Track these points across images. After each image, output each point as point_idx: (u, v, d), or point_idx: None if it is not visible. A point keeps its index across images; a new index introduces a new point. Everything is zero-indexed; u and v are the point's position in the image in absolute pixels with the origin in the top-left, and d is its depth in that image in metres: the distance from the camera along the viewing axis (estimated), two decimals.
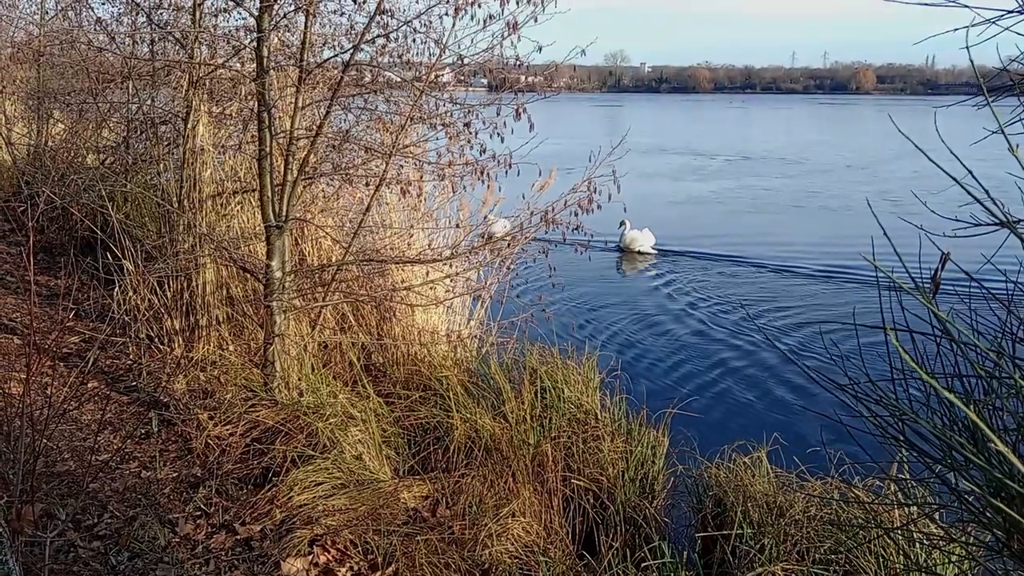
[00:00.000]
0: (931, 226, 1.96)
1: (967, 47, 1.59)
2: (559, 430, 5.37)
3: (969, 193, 1.44)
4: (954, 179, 1.48)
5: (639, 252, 14.15)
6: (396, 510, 4.43)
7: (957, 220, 1.70)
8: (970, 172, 1.52)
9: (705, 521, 4.91)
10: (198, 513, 4.31)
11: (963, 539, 1.94)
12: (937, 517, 2.98)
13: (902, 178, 24.72)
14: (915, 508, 2.65)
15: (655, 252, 14.25)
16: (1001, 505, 1.33)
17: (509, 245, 6.14)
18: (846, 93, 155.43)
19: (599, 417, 5.62)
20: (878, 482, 4.37)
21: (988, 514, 1.48)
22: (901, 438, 1.76)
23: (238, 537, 4.10)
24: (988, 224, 1.57)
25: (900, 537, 3.68)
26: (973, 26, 1.80)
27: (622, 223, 13.99)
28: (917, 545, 3.73)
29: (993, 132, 1.55)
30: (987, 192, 1.50)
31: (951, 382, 1.65)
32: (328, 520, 4.18)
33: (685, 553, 4.60)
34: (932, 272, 1.68)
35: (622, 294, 12.00)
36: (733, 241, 15.74)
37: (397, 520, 4.33)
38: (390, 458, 5.17)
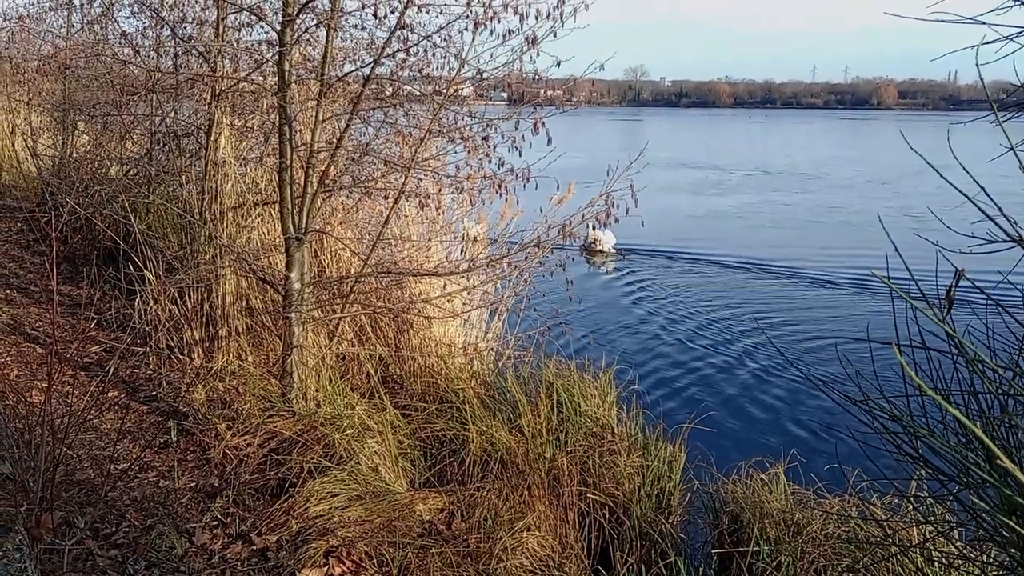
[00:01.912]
0: (949, 242, 1.95)
1: (977, 64, 1.59)
2: (575, 444, 5.36)
3: (981, 210, 1.44)
4: (966, 196, 1.48)
5: (601, 251, 14.91)
6: (411, 522, 4.43)
7: (973, 236, 1.69)
8: (983, 189, 1.52)
9: (722, 537, 4.88)
10: (215, 523, 4.33)
11: (979, 558, 1.93)
12: (955, 535, 2.95)
13: (924, 193, 24.56)
14: (932, 526, 2.63)
15: (614, 251, 14.98)
16: (1014, 524, 1.32)
17: (527, 258, 6.15)
18: (867, 108, 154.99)
19: (615, 431, 5.61)
20: (896, 499, 4.33)
21: (1003, 533, 1.47)
22: (916, 455, 1.75)
23: (254, 547, 4.12)
24: (1003, 241, 1.56)
25: (918, 555, 3.64)
26: (989, 43, 1.80)
27: (589, 225, 14.40)
28: (936, 564, 3.70)
29: (1009, 149, 1.55)
30: (1000, 209, 1.49)
31: (966, 399, 1.64)
32: (344, 532, 4.19)
33: (701, 570, 4.57)
34: (947, 288, 1.67)
35: (625, 304, 11.98)
36: (748, 252, 15.76)
37: (412, 532, 4.34)
38: (406, 470, 5.18)
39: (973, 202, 1.47)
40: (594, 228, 14.61)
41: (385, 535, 4.21)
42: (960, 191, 1.54)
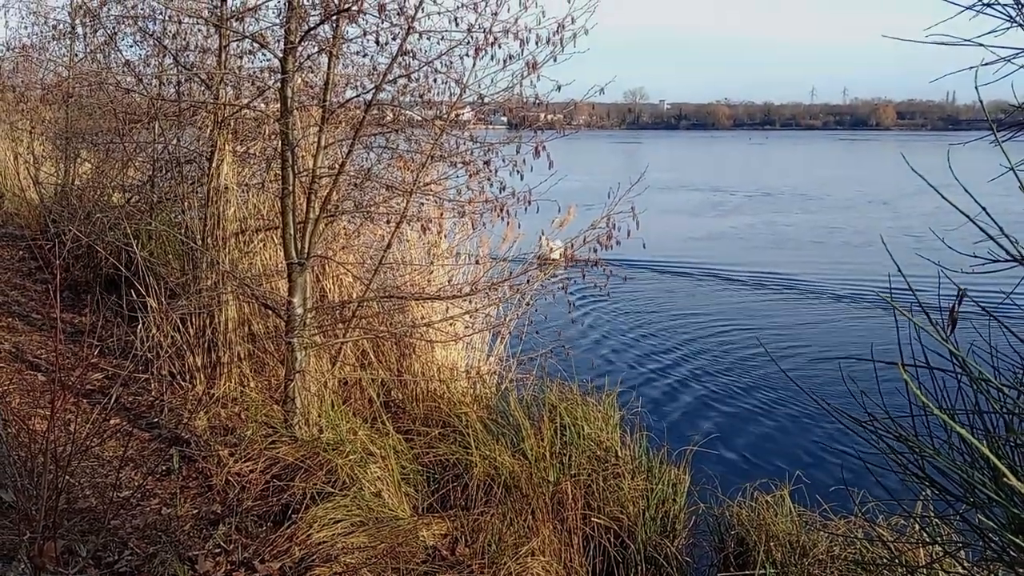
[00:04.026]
0: (950, 261, 1.96)
1: (976, 87, 1.60)
2: (579, 467, 5.34)
3: (983, 231, 1.45)
4: (968, 217, 1.49)
5: (553, 260, 15.37)
6: (415, 548, 4.41)
7: (975, 256, 1.70)
8: (984, 209, 1.53)
9: (727, 561, 4.85)
10: (217, 550, 4.30)
11: None
12: (963, 555, 2.94)
13: (924, 213, 24.63)
14: (939, 547, 2.62)
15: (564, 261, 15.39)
16: (1021, 543, 1.31)
17: (529, 281, 6.16)
18: (866, 129, 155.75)
19: (619, 454, 5.59)
20: (902, 520, 4.31)
21: (1011, 552, 1.46)
22: (922, 475, 1.74)
23: (257, 575, 4.09)
24: (1004, 260, 1.57)
25: None
26: (988, 64, 1.81)
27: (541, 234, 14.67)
28: None
29: (1008, 169, 1.56)
30: (1001, 229, 1.50)
31: (971, 418, 1.64)
32: (347, 558, 4.17)
33: None
34: (949, 309, 1.67)
35: (622, 323, 11.96)
36: (749, 271, 15.81)
37: (416, 558, 4.31)
38: (409, 495, 5.15)
39: (975, 222, 1.48)
40: (546, 239, 14.78)
41: (388, 561, 4.19)
42: (962, 211, 1.55)
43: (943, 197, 1.63)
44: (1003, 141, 1.70)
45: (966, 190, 1.59)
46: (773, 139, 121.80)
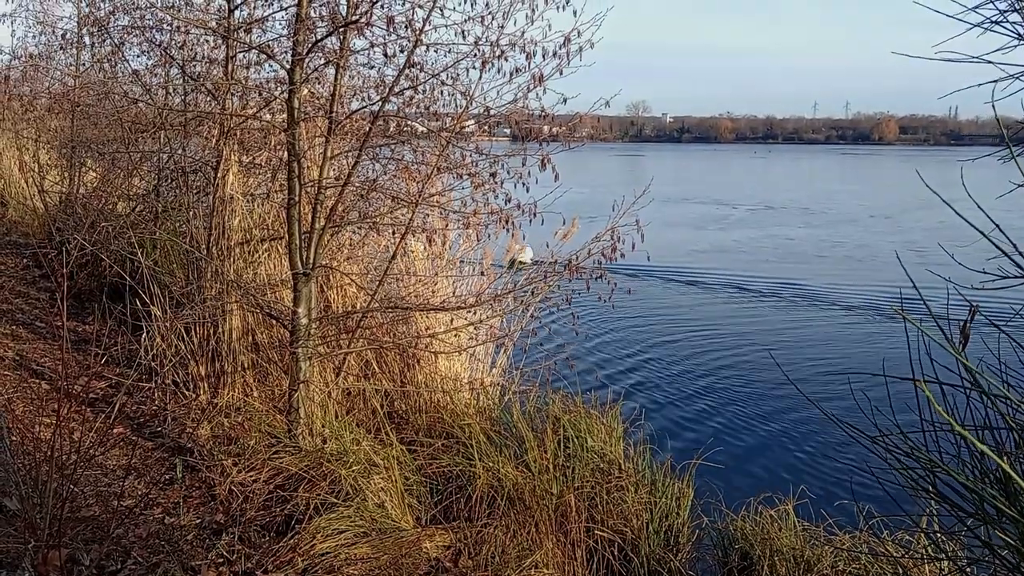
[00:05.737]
0: (959, 277, 1.96)
1: (993, 104, 1.61)
2: (582, 480, 5.33)
3: (997, 247, 1.45)
4: (982, 232, 1.49)
5: (521, 262, 15.62)
6: (418, 559, 4.40)
7: (984, 272, 1.70)
8: (997, 226, 1.53)
9: (731, 575, 4.84)
10: (221, 560, 4.30)
11: None
12: (970, 572, 2.93)
13: (928, 229, 24.65)
14: (946, 563, 2.61)
15: (532, 264, 15.64)
16: None
17: (533, 293, 6.17)
18: (868, 143, 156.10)
19: (623, 467, 5.58)
20: (908, 536, 4.29)
21: (1022, 569, 1.46)
22: (932, 490, 1.75)
23: None
24: (1015, 276, 1.57)
25: None
26: (995, 81, 1.82)
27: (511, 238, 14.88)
28: None
29: (1019, 185, 1.56)
30: (1015, 245, 1.50)
31: (982, 434, 1.64)
32: (350, 569, 4.16)
33: None
34: (961, 325, 1.68)
35: (626, 333, 11.94)
36: (753, 283, 15.80)
37: (419, 570, 4.30)
38: (412, 506, 5.15)
39: (989, 239, 1.49)
40: (514, 242, 14.91)
41: (392, 572, 4.18)
42: (977, 228, 1.55)
43: (958, 214, 1.64)
44: (1008, 159, 1.71)
45: (980, 207, 1.59)
46: (775, 153, 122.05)
